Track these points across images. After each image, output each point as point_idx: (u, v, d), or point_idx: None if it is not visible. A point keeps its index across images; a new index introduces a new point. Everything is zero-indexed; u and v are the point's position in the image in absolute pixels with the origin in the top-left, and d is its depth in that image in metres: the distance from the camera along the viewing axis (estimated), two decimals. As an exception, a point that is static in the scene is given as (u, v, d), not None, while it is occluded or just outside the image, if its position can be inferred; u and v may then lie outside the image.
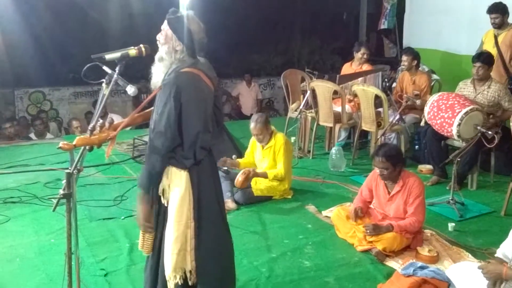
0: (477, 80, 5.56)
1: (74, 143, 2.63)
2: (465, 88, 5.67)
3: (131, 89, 2.94)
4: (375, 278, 3.71)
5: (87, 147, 2.74)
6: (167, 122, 2.69)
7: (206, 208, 2.91)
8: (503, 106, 5.44)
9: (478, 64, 5.47)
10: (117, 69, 2.80)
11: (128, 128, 8.05)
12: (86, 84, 10.16)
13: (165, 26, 2.80)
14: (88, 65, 2.87)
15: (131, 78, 2.96)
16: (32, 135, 8.58)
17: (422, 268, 3.43)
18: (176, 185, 2.80)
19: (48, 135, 8.69)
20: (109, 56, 2.78)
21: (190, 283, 2.90)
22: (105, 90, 2.83)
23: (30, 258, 3.99)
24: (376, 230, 4.08)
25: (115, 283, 3.63)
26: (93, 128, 2.71)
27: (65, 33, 10.16)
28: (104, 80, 2.84)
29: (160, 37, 2.81)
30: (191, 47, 2.76)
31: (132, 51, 2.81)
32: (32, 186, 5.54)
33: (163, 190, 2.84)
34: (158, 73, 2.83)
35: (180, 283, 2.86)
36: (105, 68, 2.87)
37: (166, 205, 2.85)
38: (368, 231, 4.09)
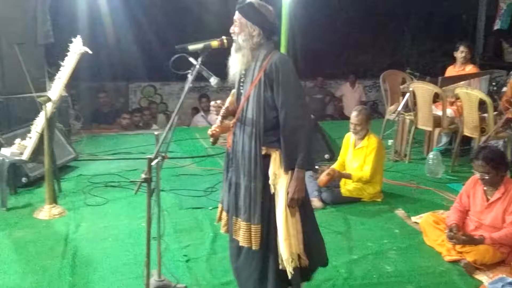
0: None
1: (217, 130, 2.96)
2: None
3: (214, 81, 3.01)
4: (459, 290, 3.50)
5: (211, 140, 3.01)
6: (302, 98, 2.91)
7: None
8: None
9: None
10: (199, 59, 2.89)
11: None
12: (194, 80, 10.52)
13: (237, 16, 2.85)
14: (175, 56, 2.99)
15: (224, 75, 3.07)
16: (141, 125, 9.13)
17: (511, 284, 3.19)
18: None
19: (154, 126, 9.17)
20: (192, 47, 2.90)
21: (301, 265, 2.94)
22: (190, 80, 2.95)
23: (121, 239, 4.22)
24: (466, 242, 3.84)
25: (195, 269, 3.73)
26: (225, 115, 2.95)
27: (175, 30, 10.58)
28: (189, 71, 2.96)
29: (234, 29, 2.86)
30: (267, 29, 2.84)
31: (214, 42, 2.90)
32: (131, 172, 5.83)
33: (274, 177, 2.85)
34: (236, 64, 2.88)
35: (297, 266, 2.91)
36: (191, 59, 2.99)
37: (272, 191, 2.87)
38: (456, 242, 3.86)
